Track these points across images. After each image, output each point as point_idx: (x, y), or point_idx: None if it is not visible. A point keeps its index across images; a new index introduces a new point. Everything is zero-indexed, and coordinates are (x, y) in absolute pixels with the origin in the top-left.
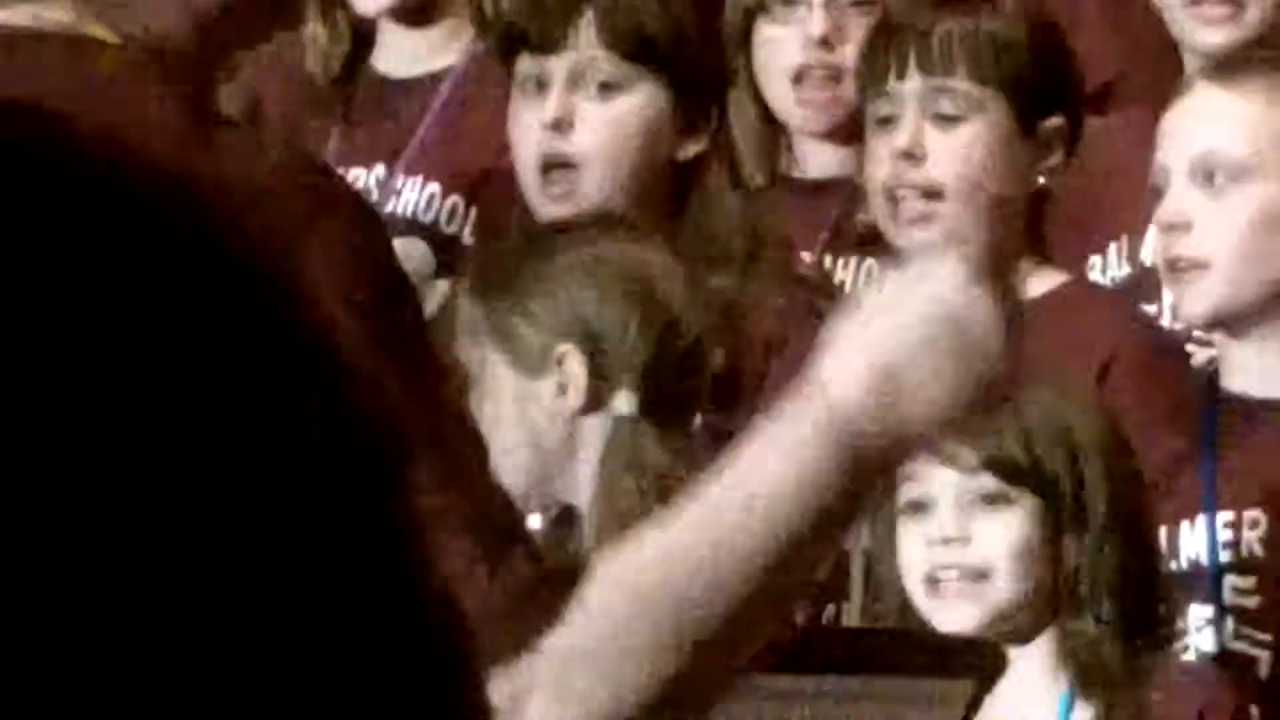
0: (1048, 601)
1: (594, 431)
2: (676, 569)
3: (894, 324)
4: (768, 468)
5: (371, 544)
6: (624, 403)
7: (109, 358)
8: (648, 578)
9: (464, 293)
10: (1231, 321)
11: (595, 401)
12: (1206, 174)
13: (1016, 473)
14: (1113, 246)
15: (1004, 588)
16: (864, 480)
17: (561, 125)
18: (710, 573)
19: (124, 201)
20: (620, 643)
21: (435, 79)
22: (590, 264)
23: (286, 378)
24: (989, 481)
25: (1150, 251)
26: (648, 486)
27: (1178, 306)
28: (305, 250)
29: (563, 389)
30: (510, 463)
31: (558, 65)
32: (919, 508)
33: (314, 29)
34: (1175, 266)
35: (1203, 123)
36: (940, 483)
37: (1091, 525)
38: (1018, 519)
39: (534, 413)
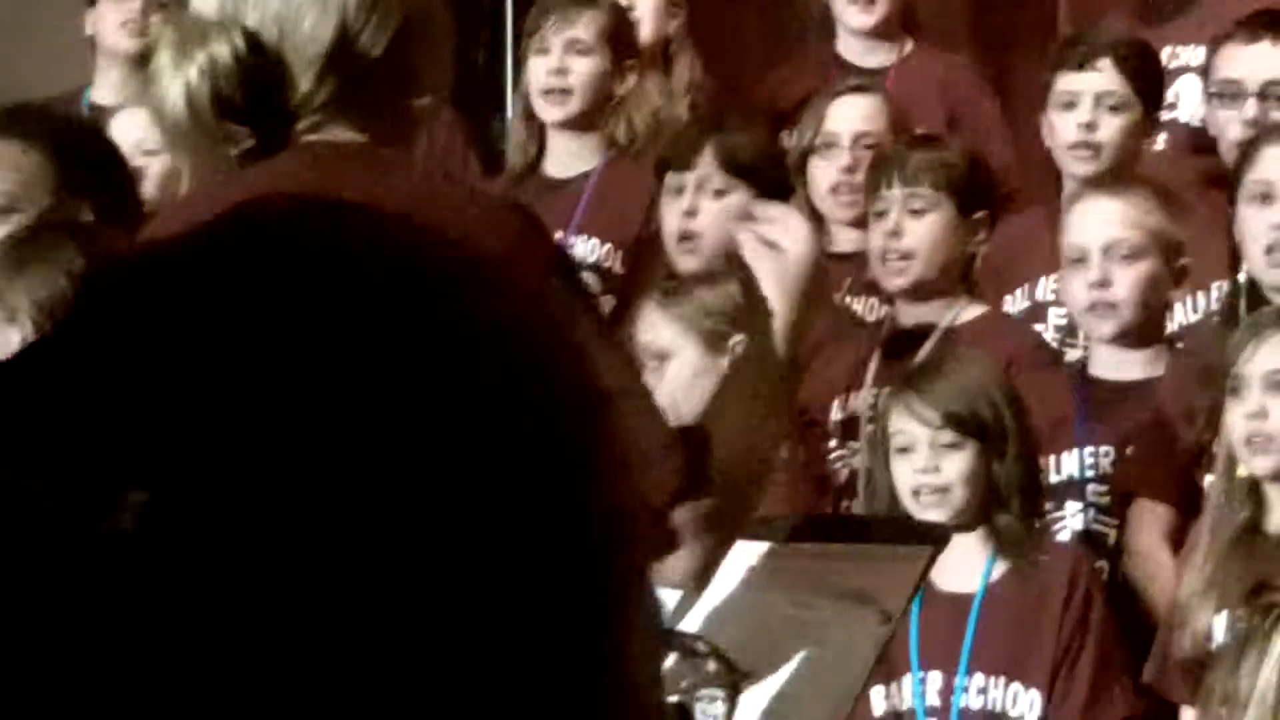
0: (982, 503)
1: None
2: None
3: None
4: None
5: (575, 465)
6: None
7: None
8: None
9: (652, 301)
10: (1124, 336)
11: None
12: (1118, 251)
13: (964, 425)
14: (1018, 290)
15: (958, 498)
16: None
17: (692, 213)
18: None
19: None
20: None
21: (584, 176)
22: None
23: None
24: (948, 433)
25: (1041, 292)
26: None
27: (1093, 331)
28: (541, 271)
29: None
30: (688, 407)
31: (690, 178)
32: (904, 450)
33: (516, 126)
34: (1095, 308)
35: (1106, 218)
36: (917, 433)
37: (1007, 455)
38: (966, 455)
39: (708, 377)
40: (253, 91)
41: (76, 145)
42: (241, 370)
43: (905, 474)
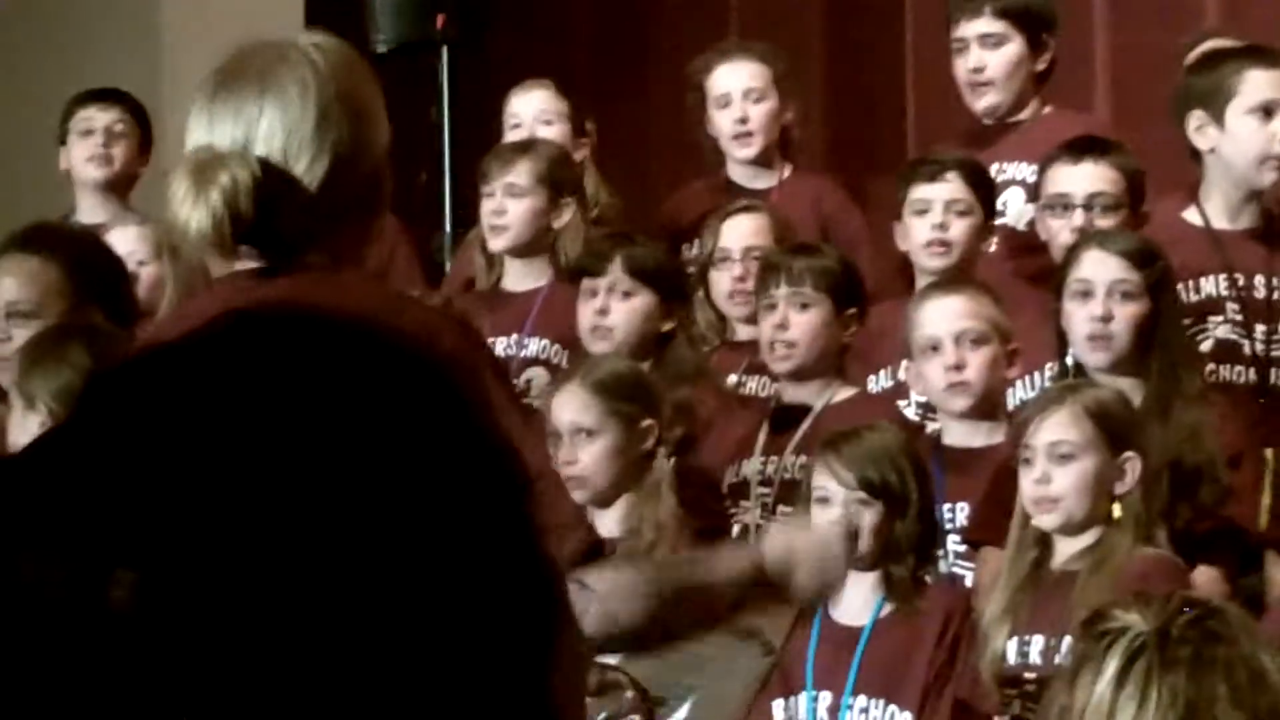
0: (882, 552)
1: (659, 470)
2: (669, 572)
3: (804, 541)
4: (729, 563)
5: (510, 525)
6: (668, 461)
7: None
8: (655, 572)
9: (574, 381)
10: (972, 410)
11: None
12: (967, 338)
13: (873, 488)
14: (881, 373)
15: (865, 546)
16: (757, 597)
17: (604, 311)
18: (682, 581)
19: (390, 363)
20: (635, 589)
21: (535, 291)
22: (642, 372)
23: (468, 443)
24: (860, 493)
25: (902, 373)
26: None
27: (950, 407)
28: (478, 367)
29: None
30: (603, 480)
31: (602, 283)
32: (823, 501)
33: (479, 260)
34: (952, 388)
35: (955, 312)
36: (835, 490)
37: (908, 515)
38: (874, 512)
39: (624, 456)
40: (264, 211)
41: (88, 259)
42: (221, 464)
43: (822, 523)
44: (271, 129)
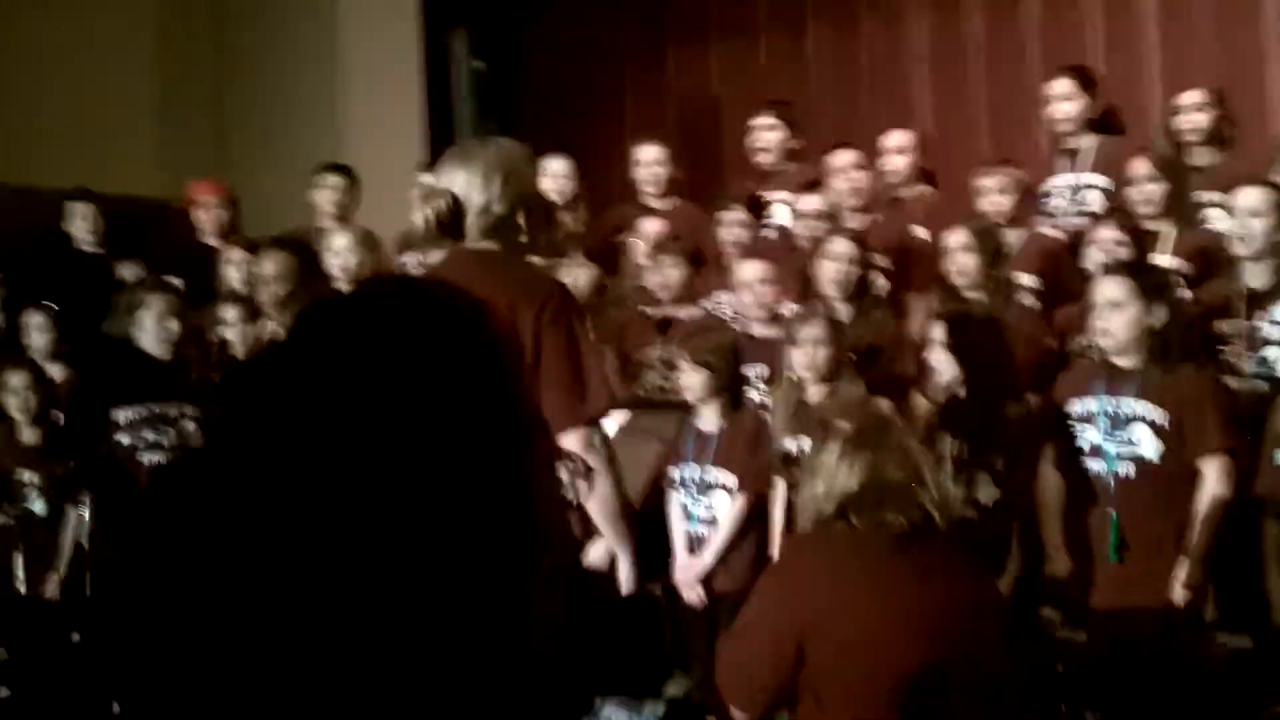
0: (724, 404)
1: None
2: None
3: None
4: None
5: (509, 406)
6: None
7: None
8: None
9: None
10: (761, 320)
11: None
12: (766, 282)
13: (710, 364)
14: (709, 300)
15: (715, 403)
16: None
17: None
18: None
19: (463, 322)
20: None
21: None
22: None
23: (494, 389)
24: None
25: (725, 298)
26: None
27: (753, 314)
28: (570, 311)
29: None
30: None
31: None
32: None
33: None
34: (759, 306)
35: (754, 271)
36: (694, 385)
37: (735, 394)
38: (722, 402)
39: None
40: (452, 219)
41: (305, 253)
42: (355, 364)
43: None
44: (465, 180)
